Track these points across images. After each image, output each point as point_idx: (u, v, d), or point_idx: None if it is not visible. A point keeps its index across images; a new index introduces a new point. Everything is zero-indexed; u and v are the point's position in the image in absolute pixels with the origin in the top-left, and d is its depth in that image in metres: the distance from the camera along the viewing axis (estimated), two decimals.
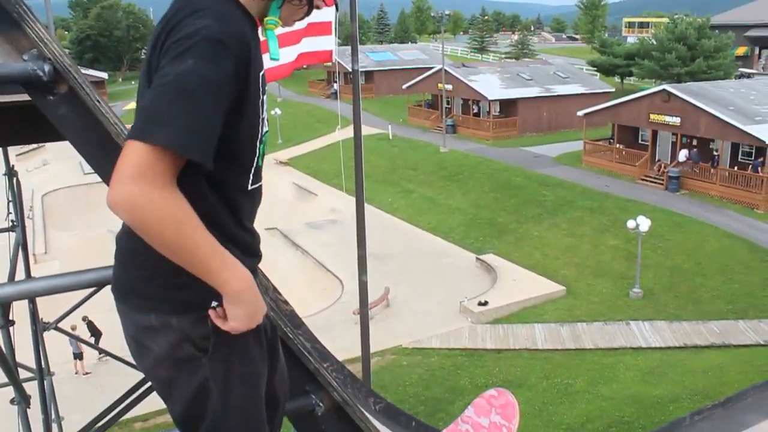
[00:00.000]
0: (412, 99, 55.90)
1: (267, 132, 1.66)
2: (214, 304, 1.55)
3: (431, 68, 51.54)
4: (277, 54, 1.62)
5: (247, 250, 1.66)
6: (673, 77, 52.90)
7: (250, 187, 1.62)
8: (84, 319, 20.01)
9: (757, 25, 77.90)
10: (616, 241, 28.73)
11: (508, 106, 48.47)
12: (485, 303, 24.08)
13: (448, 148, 43.47)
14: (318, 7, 1.70)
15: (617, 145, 38.54)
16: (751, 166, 32.64)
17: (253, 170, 1.61)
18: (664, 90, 35.75)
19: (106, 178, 1.95)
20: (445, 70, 46.98)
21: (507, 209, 33.38)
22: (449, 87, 48.15)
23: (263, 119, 1.62)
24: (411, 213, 34.44)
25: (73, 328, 15.43)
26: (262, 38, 1.64)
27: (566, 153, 41.42)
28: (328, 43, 4.83)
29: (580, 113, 40.48)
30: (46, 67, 1.85)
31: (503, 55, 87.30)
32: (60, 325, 4.72)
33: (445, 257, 29.31)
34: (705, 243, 27.92)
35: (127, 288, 1.64)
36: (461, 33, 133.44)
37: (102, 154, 1.99)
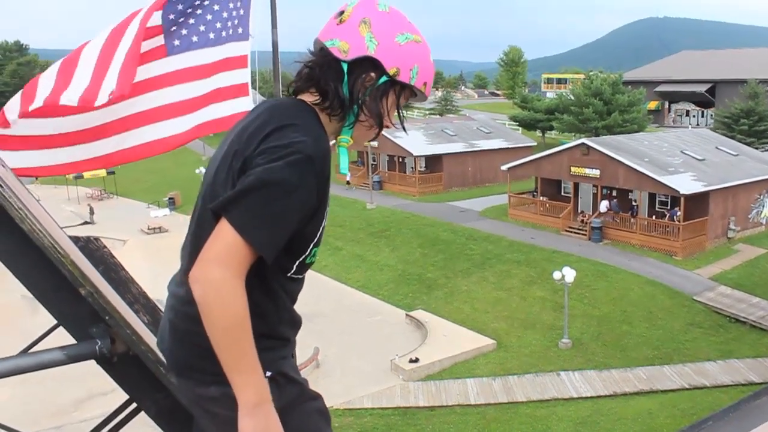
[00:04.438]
0: None
1: (322, 236, 1.85)
2: (268, 374, 1.71)
3: None
4: (346, 169, 1.85)
5: (294, 323, 1.88)
6: (591, 131, 55.18)
7: (289, 275, 1.80)
8: None
9: (665, 81, 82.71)
10: (543, 292, 29.41)
11: (433, 161, 49.52)
12: (416, 360, 24.16)
13: (375, 204, 43.94)
14: (387, 127, 1.94)
15: (541, 198, 39.78)
16: (667, 214, 34.20)
17: (297, 263, 1.79)
18: (583, 143, 37.30)
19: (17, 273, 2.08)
20: None
21: (435, 264, 33.80)
22: (375, 144, 48.93)
23: (324, 226, 1.83)
24: (339, 270, 34.50)
25: None
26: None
27: (492, 207, 42.45)
28: (244, 104, 4.69)
29: (503, 167, 41.68)
30: None
31: (427, 112, 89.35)
32: None
33: (375, 314, 29.36)
34: (629, 291, 28.90)
35: (185, 364, 1.80)
36: None
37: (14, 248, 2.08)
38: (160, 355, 2.30)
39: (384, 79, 1.81)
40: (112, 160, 4.16)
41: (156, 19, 4.13)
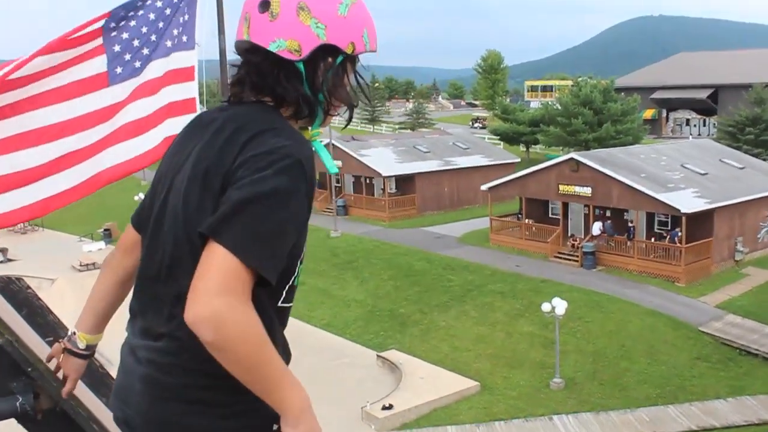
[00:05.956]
0: None
1: (305, 254, 1.86)
2: (275, 427, 1.74)
3: None
4: (334, 166, 1.92)
5: (288, 357, 1.88)
6: (580, 144, 55.83)
7: (280, 304, 1.82)
8: None
9: (662, 87, 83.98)
10: (531, 327, 29.55)
11: (404, 182, 49.68)
12: (390, 407, 24.11)
13: (339, 231, 43.92)
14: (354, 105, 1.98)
15: (526, 221, 40.03)
16: (668, 236, 34.64)
17: (287, 288, 1.80)
18: (572, 159, 37.76)
19: None
20: (333, 145, 47.84)
21: (409, 298, 33.83)
22: (339, 164, 48.98)
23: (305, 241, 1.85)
24: (301, 307, 34.26)
25: None
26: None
27: (471, 231, 42.64)
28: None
29: (484, 187, 42.02)
30: None
31: (397, 126, 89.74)
32: None
33: (343, 356, 29.25)
34: (627, 323, 29.15)
35: (175, 424, 1.76)
36: None
37: None
38: (94, 411, 2.29)
39: (341, 58, 1.84)
40: (60, 200, 4.13)
41: (96, 39, 4.15)
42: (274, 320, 1.77)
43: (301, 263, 1.82)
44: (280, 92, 1.80)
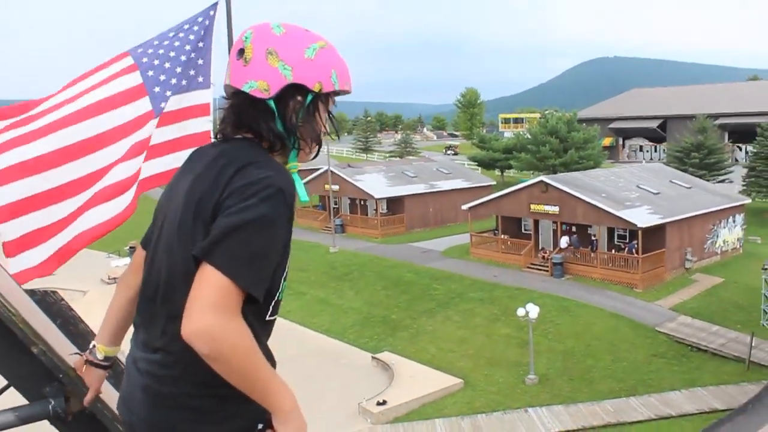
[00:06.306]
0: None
1: (288, 271, 1.84)
2: (260, 426, 1.72)
3: (318, 169, 52.18)
4: (306, 195, 1.87)
5: (274, 366, 1.83)
6: (548, 168, 56.01)
7: (267, 318, 1.78)
8: None
9: (618, 118, 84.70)
10: (508, 329, 29.45)
11: (394, 203, 49.70)
12: (384, 402, 23.92)
13: (337, 247, 43.81)
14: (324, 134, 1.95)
15: (502, 236, 40.07)
16: (626, 248, 34.69)
17: (273, 302, 1.77)
18: (541, 181, 37.82)
19: None
20: (332, 171, 47.86)
21: (400, 305, 33.71)
22: (336, 187, 48.98)
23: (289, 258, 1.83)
24: (304, 315, 34.17)
25: None
26: None
27: (454, 246, 42.62)
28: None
29: (464, 207, 41.99)
30: None
31: (388, 154, 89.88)
32: None
33: (341, 358, 29.07)
34: (592, 325, 29.10)
35: (172, 429, 1.74)
36: (346, 134, 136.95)
37: None
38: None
39: (310, 97, 1.83)
40: (91, 234, 4.02)
41: (135, 77, 4.06)
42: (259, 333, 1.73)
43: (284, 280, 1.79)
44: (256, 128, 1.80)
